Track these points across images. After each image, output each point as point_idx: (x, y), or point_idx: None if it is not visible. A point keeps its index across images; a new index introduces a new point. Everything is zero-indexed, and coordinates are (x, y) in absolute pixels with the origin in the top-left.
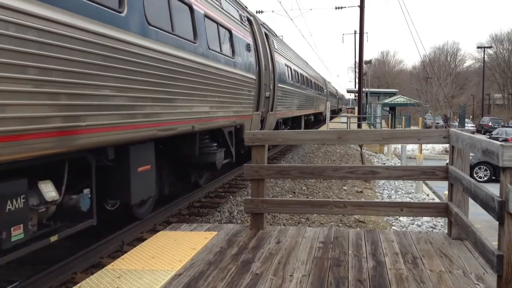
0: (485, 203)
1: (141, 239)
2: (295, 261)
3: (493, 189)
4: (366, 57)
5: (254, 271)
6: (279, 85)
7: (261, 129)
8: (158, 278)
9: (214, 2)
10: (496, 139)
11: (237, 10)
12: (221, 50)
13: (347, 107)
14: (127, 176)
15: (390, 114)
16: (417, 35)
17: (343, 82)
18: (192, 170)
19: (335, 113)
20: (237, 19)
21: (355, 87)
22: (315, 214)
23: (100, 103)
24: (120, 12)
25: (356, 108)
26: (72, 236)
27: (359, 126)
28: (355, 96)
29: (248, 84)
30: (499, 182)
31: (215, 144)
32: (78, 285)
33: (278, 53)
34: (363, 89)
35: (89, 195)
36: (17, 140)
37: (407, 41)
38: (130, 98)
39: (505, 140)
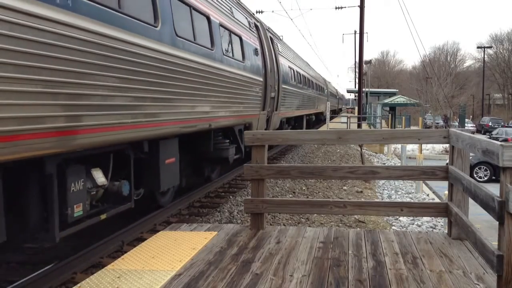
0: (485, 203)
1: (141, 239)
2: (295, 261)
3: (493, 189)
4: (366, 57)
5: (254, 271)
6: (283, 86)
7: (266, 128)
8: (158, 278)
9: (227, 12)
10: (496, 139)
11: (246, 18)
12: (233, 55)
13: (347, 107)
14: (157, 167)
15: (390, 114)
16: (417, 35)
17: (343, 82)
18: (207, 164)
19: (335, 113)
20: (246, 26)
21: (355, 87)
22: (315, 214)
23: (141, 104)
24: (156, 27)
25: (356, 108)
26: (72, 236)
27: (359, 126)
28: (355, 96)
29: (256, 85)
30: (499, 182)
31: (227, 141)
32: (78, 285)
33: (282, 56)
34: (363, 89)
35: (128, 182)
36: (90, 133)
37: (407, 41)
38: (162, 100)
39: (505, 140)
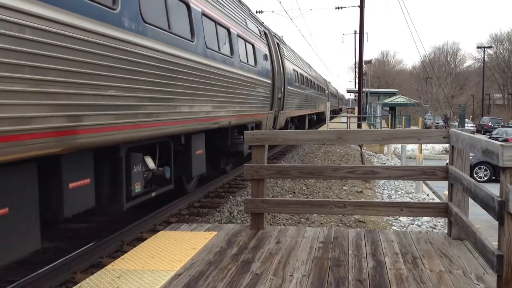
0: (485, 203)
1: (141, 239)
2: (295, 261)
3: (493, 189)
4: (366, 57)
5: (254, 271)
6: (288, 87)
7: (273, 126)
8: (158, 278)
9: (243, 24)
10: (496, 139)
11: (257, 27)
12: (247, 61)
13: (347, 107)
14: (190, 157)
15: (390, 114)
16: (417, 35)
17: (343, 82)
18: (223, 157)
19: (335, 112)
20: (257, 34)
21: (355, 87)
22: (315, 214)
23: (183, 104)
24: (192, 41)
25: (356, 108)
26: (72, 236)
27: (359, 126)
28: (355, 96)
29: (266, 88)
30: (499, 182)
31: (242, 137)
32: (78, 285)
33: (287, 59)
34: (363, 89)
35: (169, 168)
36: (139, 128)
37: (407, 41)
38: (197, 101)
39: (505, 140)
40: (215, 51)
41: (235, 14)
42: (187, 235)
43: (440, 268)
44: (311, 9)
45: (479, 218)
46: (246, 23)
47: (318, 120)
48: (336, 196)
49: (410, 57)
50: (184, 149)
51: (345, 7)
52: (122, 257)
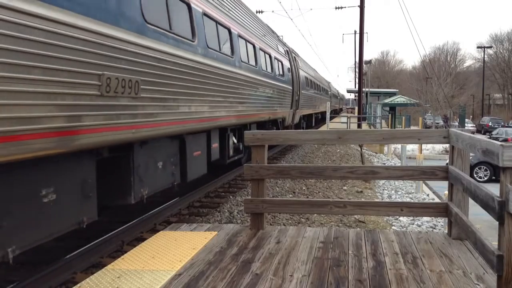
0: (485, 203)
1: (141, 239)
2: (295, 261)
3: (493, 189)
4: (366, 57)
5: (254, 271)
6: (302, 91)
7: (292, 121)
8: (158, 278)
9: (276, 48)
10: (496, 139)
11: (283, 48)
12: (277, 73)
13: (347, 107)
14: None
15: (390, 114)
16: (417, 35)
17: (343, 82)
18: None
19: (336, 112)
20: (283, 54)
21: (355, 87)
22: (315, 214)
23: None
24: (255, 66)
25: (356, 108)
26: (72, 236)
27: (359, 126)
28: (355, 96)
29: (288, 92)
30: (499, 182)
31: (274, 128)
32: (78, 285)
33: (301, 69)
34: (363, 89)
35: (241, 144)
36: (229, 119)
37: (407, 41)
38: (258, 103)
39: (505, 140)
40: (268, 72)
41: (273, 44)
42: (187, 235)
43: (440, 268)
44: (311, 9)
45: (479, 218)
46: (278, 48)
47: (322, 118)
48: (336, 196)
49: (410, 57)
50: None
51: (345, 7)
52: (122, 257)
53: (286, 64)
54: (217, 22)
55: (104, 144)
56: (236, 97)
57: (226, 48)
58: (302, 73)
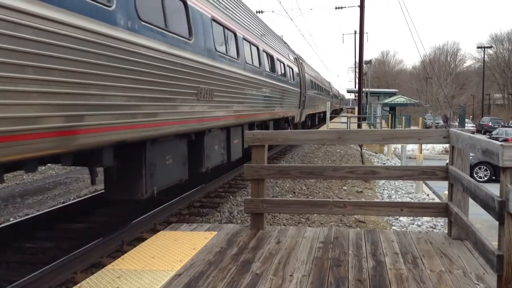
0: (485, 203)
1: (141, 239)
2: (295, 261)
3: (493, 189)
4: (366, 57)
5: (254, 271)
6: (307, 93)
7: (300, 119)
8: (158, 278)
9: (287, 56)
10: (496, 139)
11: (293, 56)
12: (290, 79)
13: (347, 107)
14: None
15: (390, 114)
16: (417, 35)
17: (343, 82)
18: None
19: (337, 112)
20: (293, 61)
21: (355, 87)
22: (315, 214)
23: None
24: (276, 76)
25: (356, 108)
26: (72, 236)
27: (359, 126)
28: (355, 96)
29: (297, 94)
30: (499, 182)
31: (286, 124)
32: (78, 285)
33: (306, 73)
34: (363, 89)
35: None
36: (247, 118)
37: (407, 41)
38: (274, 105)
39: (505, 140)
40: (283, 78)
41: (285, 54)
42: (187, 235)
43: (440, 268)
44: (311, 9)
45: (479, 218)
46: (289, 56)
47: (324, 117)
48: (336, 196)
49: (410, 57)
50: (265, 127)
51: (345, 7)
52: (122, 257)
53: (296, 69)
54: (257, 47)
55: (193, 131)
56: (261, 100)
57: (255, 61)
58: (307, 77)
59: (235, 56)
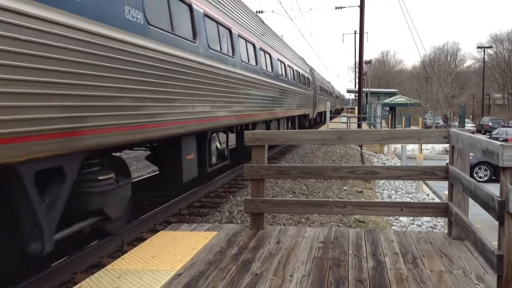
0: (485, 203)
1: (141, 239)
2: (295, 261)
3: (493, 189)
4: (366, 57)
5: (254, 271)
6: (318, 95)
7: (312, 116)
8: (158, 278)
9: (303, 68)
10: (496, 139)
11: (308, 67)
12: (304, 84)
13: (347, 107)
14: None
15: (390, 114)
16: (417, 35)
17: (343, 82)
18: (293, 126)
19: (338, 112)
20: (308, 71)
21: (355, 87)
22: (315, 214)
23: (285, 105)
24: (306, 88)
25: (356, 108)
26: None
27: (359, 126)
28: (355, 96)
29: (311, 96)
30: (499, 182)
31: (305, 119)
32: (78, 285)
33: (316, 79)
34: (363, 89)
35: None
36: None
37: (407, 41)
38: (290, 107)
39: (505, 140)
40: (303, 85)
41: (303, 66)
42: (187, 235)
43: (440, 268)
44: (311, 9)
45: (479, 218)
46: (305, 67)
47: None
48: (336, 196)
49: (410, 57)
50: (292, 121)
51: (345, 7)
52: (122, 257)
53: (309, 78)
54: (285, 64)
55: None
56: (290, 101)
57: (282, 72)
58: (317, 82)
59: (282, 73)
